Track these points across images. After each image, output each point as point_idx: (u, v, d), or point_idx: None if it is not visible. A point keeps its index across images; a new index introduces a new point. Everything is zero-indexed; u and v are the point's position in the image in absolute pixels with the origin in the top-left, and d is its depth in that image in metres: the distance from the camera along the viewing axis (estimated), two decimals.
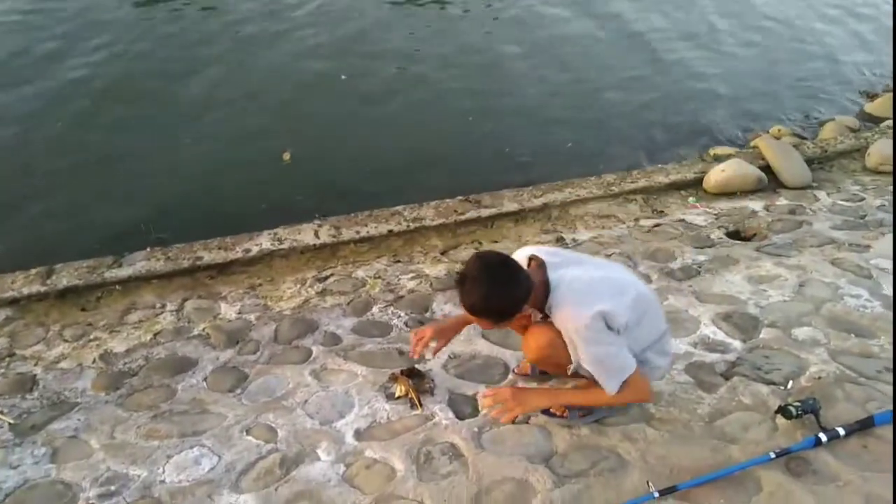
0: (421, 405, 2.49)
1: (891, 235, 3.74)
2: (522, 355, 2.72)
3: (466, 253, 3.78)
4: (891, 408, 2.32)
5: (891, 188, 4.46)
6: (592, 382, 2.15)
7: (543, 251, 2.16)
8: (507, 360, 2.78)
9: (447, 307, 3.23)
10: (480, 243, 3.89)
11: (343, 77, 6.49)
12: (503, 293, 1.96)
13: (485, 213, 4.14)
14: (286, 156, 5.19)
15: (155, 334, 3.10)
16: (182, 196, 4.78)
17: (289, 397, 2.61)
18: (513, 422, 2.31)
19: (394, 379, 2.61)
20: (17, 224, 4.50)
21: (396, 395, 2.55)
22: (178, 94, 6.07)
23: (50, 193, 4.81)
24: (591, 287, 2.05)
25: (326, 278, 3.54)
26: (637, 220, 4.17)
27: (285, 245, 3.77)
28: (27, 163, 5.12)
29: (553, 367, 2.24)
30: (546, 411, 2.39)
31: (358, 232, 3.91)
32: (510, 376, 2.69)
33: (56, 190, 4.85)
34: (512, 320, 2.09)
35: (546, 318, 2.13)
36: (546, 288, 2.06)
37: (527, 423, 2.40)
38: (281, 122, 5.74)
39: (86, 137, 5.41)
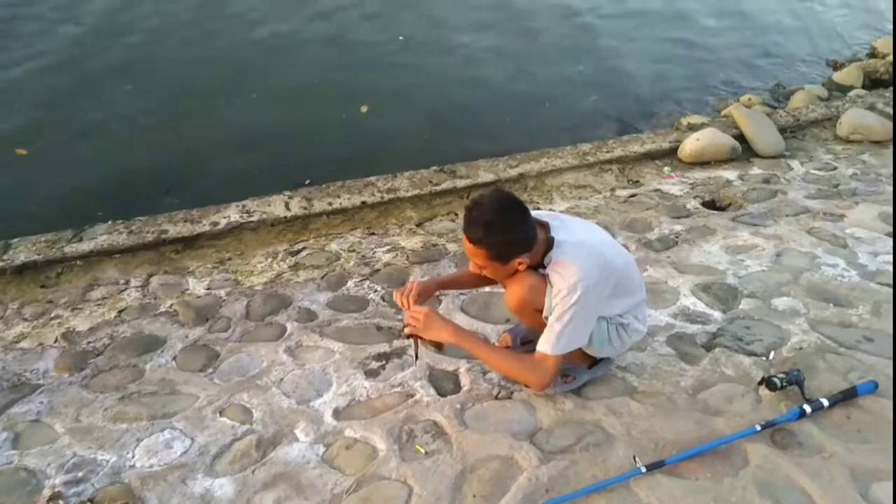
0: (417, 357, 2.34)
1: (864, 205, 3.76)
2: (501, 330, 2.70)
3: (442, 225, 3.72)
4: (872, 378, 2.32)
5: (862, 157, 4.49)
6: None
7: (544, 214, 2.15)
8: (487, 334, 2.73)
9: (424, 279, 3.14)
10: (457, 215, 3.81)
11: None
12: (509, 229, 1.97)
13: (460, 183, 4.06)
14: (364, 108, 5.33)
15: (119, 312, 2.97)
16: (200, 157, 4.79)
17: (263, 376, 2.52)
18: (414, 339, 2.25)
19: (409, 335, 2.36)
20: None
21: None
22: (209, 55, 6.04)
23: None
24: (598, 251, 2.07)
25: (299, 252, 3.45)
26: (613, 190, 4.13)
27: (254, 217, 3.65)
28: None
29: (531, 315, 2.18)
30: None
31: (330, 203, 3.81)
32: None
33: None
34: (506, 264, 2.05)
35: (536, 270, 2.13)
36: (547, 246, 2.06)
37: (510, 398, 2.35)
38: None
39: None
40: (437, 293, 2.83)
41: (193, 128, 5.11)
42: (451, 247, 3.46)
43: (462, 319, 2.82)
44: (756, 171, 4.35)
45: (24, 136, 4.89)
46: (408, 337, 2.24)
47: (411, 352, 2.35)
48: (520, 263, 2.05)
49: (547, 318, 2.09)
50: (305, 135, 5.13)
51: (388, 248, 3.46)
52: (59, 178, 4.50)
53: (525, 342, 2.57)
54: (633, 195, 4.04)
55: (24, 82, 5.53)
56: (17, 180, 4.48)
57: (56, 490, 2.02)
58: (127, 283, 3.20)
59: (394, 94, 5.73)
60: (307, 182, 4.08)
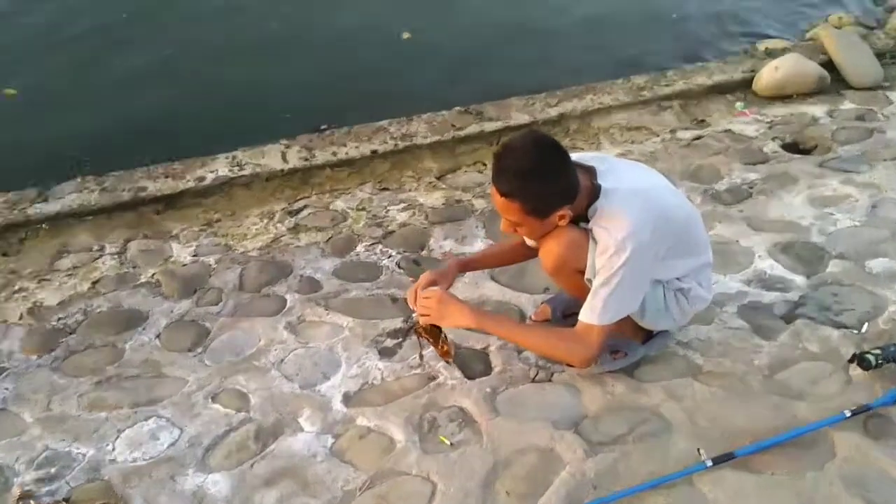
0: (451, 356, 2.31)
1: None
2: (539, 300, 2.71)
3: (468, 177, 3.70)
4: None
5: None
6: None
7: (588, 157, 2.12)
8: (522, 306, 2.73)
9: (447, 243, 3.17)
10: (485, 165, 3.78)
11: None
12: (547, 177, 1.95)
13: (489, 127, 4.03)
14: (406, 35, 5.50)
15: (94, 283, 3.01)
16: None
17: (261, 356, 2.55)
18: (429, 334, 2.26)
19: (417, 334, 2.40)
20: None
21: (421, 351, 2.44)
22: None
23: None
24: (653, 200, 2.05)
25: (299, 211, 3.46)
26: (673, 131, 4.07)
27: (246, 171, 3.66)
28: None
29: (572, 278, 2.18)
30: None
31: (335, 154, 3.80)
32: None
33: None
34: (545, 219, 2.03)
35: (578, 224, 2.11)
36: (592, 194, 2.03)
37: (549, 380, 2.35)
38: None
39: None
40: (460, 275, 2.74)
41: (207, 68, 5.24)
42: (479, 203, 3.44)
43: (492, 289, 2.83)
44: (848, 105, 4.25)
45: (18, 77, 5.02)
46: (417, 334, 2.27)
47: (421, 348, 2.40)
48: (561, 217, 2.03)
49: (590, 281, 2.08)
50: (322, 74, 5.20)
51: (403, 205, 3.46)
52: (51, 123, 4.59)
53: (568, 315, 2.55)
54: (697, 137, 3.98)
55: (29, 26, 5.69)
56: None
57: (26, 489, 2.07)
58: (101, 249, 3.24)
59: (429, 22, 5.77)
60: (323, 128, 4.10)
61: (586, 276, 2.11)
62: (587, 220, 2.07)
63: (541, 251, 2.19)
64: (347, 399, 2.34)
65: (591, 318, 2.06)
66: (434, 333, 2.25)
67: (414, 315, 2.26)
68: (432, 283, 2.25)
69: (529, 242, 2.35)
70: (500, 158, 1.97)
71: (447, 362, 2.37)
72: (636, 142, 3.96)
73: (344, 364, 2.49)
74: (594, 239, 2.04)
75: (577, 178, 2.01)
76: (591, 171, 2.06)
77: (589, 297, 2.07)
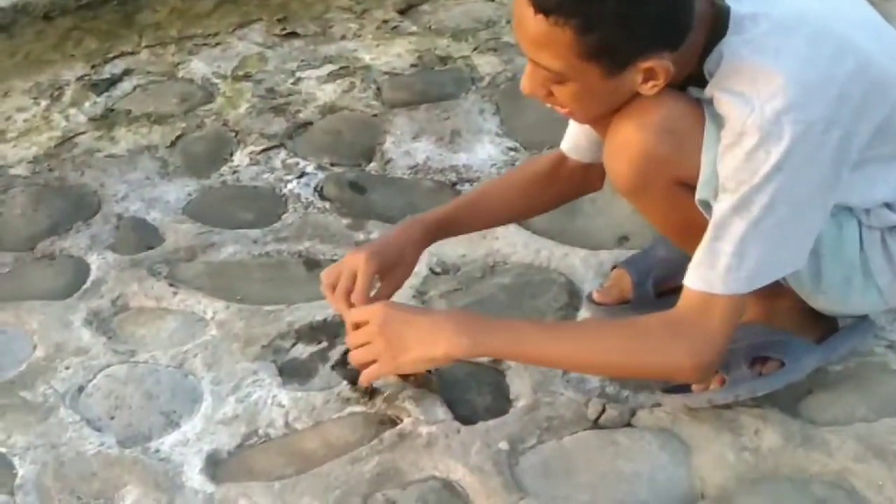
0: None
1: None
2: (610, 262, 2.61)
3: (463, 10, 3.87)
4: None
5: None
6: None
7: None
8: (572, 273, 2.57)
9: (420, 147, 3.14)
10: None
11: None
12: None
13: None
14: None
15: None
16: None
17: (36, 382, 2.34)
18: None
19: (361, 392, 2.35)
20: None
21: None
22: None
23: None
24: (833, 41, 1.82)
25: (115, 82, 3.51)
26: None
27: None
28: None
29: (668, 197, 1.99)
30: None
31: None
32: (581, 311, 2.47)
33: None
34: (617, 74, 1.80)
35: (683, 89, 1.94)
36: (715, 27, 1.82)
37: (628, 424, 2.14)
38: None
39: None
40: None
41: None
42: (486, 63, 3.50)
43: (512, 239, 2.70)
44: None
45: None
46: (360, 392, 2.25)
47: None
48: (648, 74, 1.77)
49: (707, 205, 1.85)
50: None
51: (330, 68, 3.49)
52: None
53: (665, 291, 2.38)
54: None
55: None
56: None
57: None
58: None
59: None
60: None
61: (698, 195, 1.87)
62: (703, 82, 1.85)
63: (607, 147, 1.98)
64: (214, 467, 2.11)
65: (712, 281, 1.83)
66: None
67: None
68: (369, 270, 2.11)
69: (567, 148, 2.22)
70: None
71: (422, 385, 2.26)
72: None
73: (209, 396, 2.29)
74: (717, 118, 1.82)
75: None
76: None
77: (705, 239, 1.84)
